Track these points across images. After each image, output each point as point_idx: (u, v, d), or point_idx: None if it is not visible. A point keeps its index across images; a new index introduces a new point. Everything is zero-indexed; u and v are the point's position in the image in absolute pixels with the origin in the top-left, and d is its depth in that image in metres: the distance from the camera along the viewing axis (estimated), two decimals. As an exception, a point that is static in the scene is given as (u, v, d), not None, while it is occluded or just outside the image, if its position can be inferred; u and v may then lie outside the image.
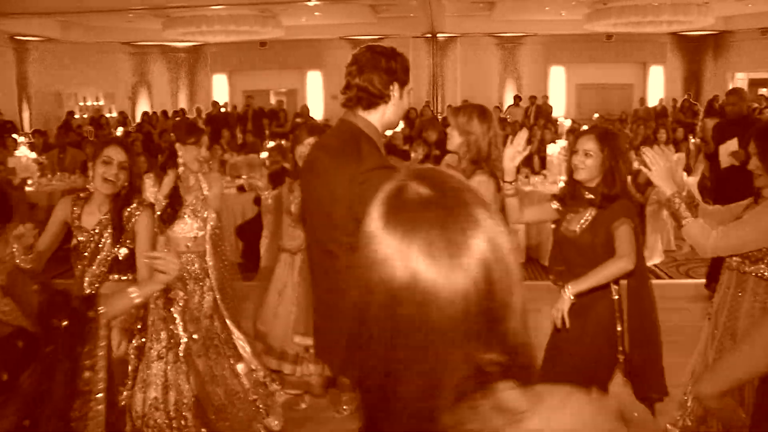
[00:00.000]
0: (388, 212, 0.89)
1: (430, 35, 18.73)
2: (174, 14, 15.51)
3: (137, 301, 2.13)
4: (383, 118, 2.39)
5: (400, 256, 0.85)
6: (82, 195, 3.07)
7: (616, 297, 2.94)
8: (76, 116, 16.96)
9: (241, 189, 7.74)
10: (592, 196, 2.99)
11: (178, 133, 3.75)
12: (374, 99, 2.34)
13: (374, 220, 0.90)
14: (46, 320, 1.91)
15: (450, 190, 0.89)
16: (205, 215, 3.77)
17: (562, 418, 0.87)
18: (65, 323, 1.94)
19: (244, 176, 7.89)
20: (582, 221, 3.00)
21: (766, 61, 18.27)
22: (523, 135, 2.89)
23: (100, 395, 1.95)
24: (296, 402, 4.14)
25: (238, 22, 15.26)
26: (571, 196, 3.11)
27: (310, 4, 14.99)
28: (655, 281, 6.33)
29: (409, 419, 0.85)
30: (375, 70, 2.33)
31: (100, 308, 2.02)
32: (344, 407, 4.12)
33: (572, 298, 2.84)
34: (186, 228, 3.70)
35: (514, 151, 2.86)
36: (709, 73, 19.84)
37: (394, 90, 2.37)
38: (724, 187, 5.55)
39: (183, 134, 3.69)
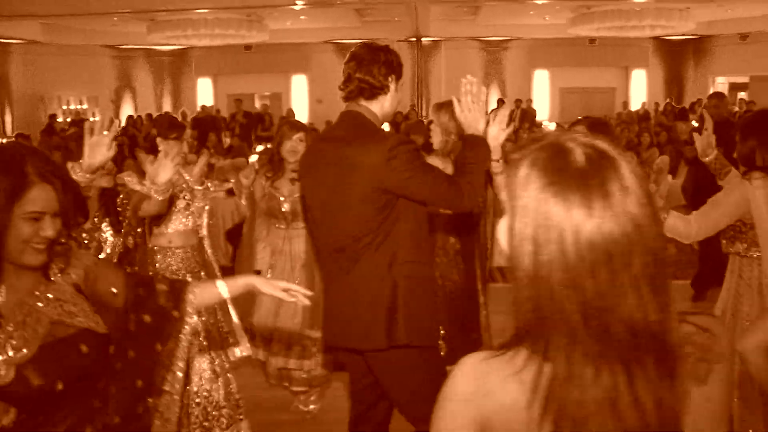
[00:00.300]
0: (556, 177, 0.96)
1: (414, 39, 18.82)
2: (159, 17, 15.47)
3: (226, 296, 1.97)
4: (383, 109, 2.59)
5: (584, 216, 0.94)
6: None
7: None
8: (59, 119, 16.85)
9: (230, 192, 7.72)
10: None
11: (159, 128, 3.73)
12: (375, 90, 2.53)
13: (539, 187, 0.96)
14: (125, 320, 1.81)
15: (604, 149, 0.98)
16: (199, 205, 3.76)
17: None
18: (148, 319, 1.83)
19: (231, 180, 7.88)
20: None
21: (746, 65, 18.56)
22: (504, 111, 2.94)
23: (176, 396, 1.86)
24: (293, 404, 4.12)
25: (223, 25, 15.26)
26: None
27: (296, 8, 15.01)
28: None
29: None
30: (375, 63, 2.52)
31: (186, 305, 1.87)
32: (312, 406, 4.10)
33: None
34: (177, 222, 3.70)
35: (497, 129, 2.88)
36: (690, 77, 20.09)
37: (392, 82, 2.57)
38: (701, 184, 5.65)
39: (165, 129, 3.65)
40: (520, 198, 0.98)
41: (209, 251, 3.77)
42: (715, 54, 19.30)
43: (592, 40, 18.48)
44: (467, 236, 3.48)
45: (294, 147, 3.86)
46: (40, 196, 1.56)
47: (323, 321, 2.76)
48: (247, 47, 18.68)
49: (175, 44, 18.09)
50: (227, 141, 12.45)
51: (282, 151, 3.92)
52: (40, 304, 1.62)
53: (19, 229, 1.55)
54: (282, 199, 3.93)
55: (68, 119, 17.53)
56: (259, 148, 10.33)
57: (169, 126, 3.70)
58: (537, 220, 0.96)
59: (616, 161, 0.97)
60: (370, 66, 2.51)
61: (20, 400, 1.54)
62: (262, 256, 4.14)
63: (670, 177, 9.11)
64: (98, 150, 2.45)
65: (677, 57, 20.00)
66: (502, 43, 19.93)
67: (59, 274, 1.70)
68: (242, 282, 1.97)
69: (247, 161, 9.61)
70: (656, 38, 18.81)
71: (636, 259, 0.94)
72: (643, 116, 16.43)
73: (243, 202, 4.13)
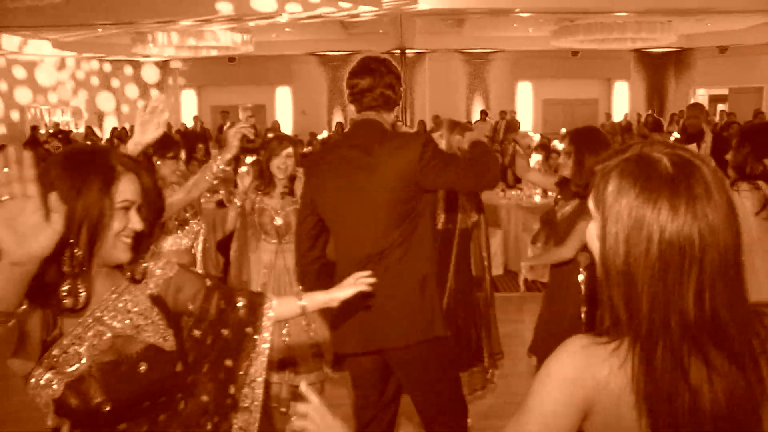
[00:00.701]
0: (647, 184, 1.04)
1: (399, 51, 18.90)
2: (143, 29, 15.40)
3: (309, 310, 1.95)
4: (390, 119, 2.69)
5: (669, 218, 1.02)
6: None
7: (581, 278, 3.24)
8: (41, 131, 16.69)
9: (220, 204, 7.70)
10: (576, 189, 3.25)
11: (155, 147, 3.53)
12: (393, 101, 2.65)
13: (633, 194, 1.04)
14: (203, 333, 1.77)
15: (687, 156, 1.06)
16: (195, 228, 3.75)
17: None
18: (226, 333, 1.80)
19: (221, 191, 7.85)
20: (564, 211, 3.34)
21: (725, 77, 18.90)
22: (524, 133, 3.18)
23: (256, 414, 1.82)
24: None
25: (207, 37, 15.21)
26: (563, 187, 3.42)
27: (281, 20, 15.02)
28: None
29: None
30: (390, 74, 2.63)
31: (263, 321, 1.84)
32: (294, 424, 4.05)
33: (527, 263, 3.51)
34: (173, 242, 3.68)
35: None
36: (671, 89, 20.38)
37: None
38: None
39: (161, 148, 3.63)
40: (613, 206, 1.06)
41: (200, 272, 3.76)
42: (696, 66, 19.62)
43: (575, 53, 18.69)
44: (444, 253, 3.60)
45: (283, 163, 3.83)
46: (128, 187, 1.56)
47: (339, 330, 2.71)
48: (231, 59, 18.65)
49: (159, 56, 18.00)
50: (215, 153, 12.42)
51: (271, 167, 3.86)
52: (106, 318, 1.58)
53: (110, 221, 1.54)
54: (274, 213, 3.89)
55: (50, 131, 17.40)
56: (249, 159, 10.28)
57: (165, 145, 3.65)
58: (630, 224, 1.04)
59: (701, 167, 1.04)
60: (389, 78, 2.61)
61: (71, 415, 1.51)
62: (257, 270, 4.09)
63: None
64: (148, 128, 2.46)
65: (659, 69, 20.29)
66: (485, 55, 20.10)
67: (137, 283, 1.67)
68: (321, 298, 1.97)
69: (235, 173, 9.59)
70: (638, 51, 19.06)
71: (706, 261, 1.01)
72: (625, 127, 16.62)
73: (232, 213, 4.03)
